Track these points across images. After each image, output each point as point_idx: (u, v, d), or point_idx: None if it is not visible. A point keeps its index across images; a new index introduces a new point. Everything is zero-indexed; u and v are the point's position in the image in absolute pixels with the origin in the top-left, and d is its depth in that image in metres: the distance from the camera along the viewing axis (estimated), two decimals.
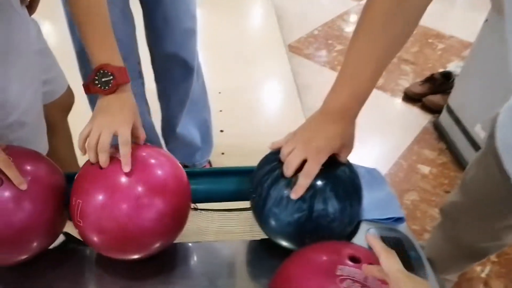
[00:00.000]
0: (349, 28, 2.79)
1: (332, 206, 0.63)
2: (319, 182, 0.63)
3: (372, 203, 0.80)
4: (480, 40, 1.67)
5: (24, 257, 0.65)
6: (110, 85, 0.68)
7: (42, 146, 0.93)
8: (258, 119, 1.95)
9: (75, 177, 0.66)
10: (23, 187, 0.60)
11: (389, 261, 0.43)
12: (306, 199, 0.62)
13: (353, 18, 2.93)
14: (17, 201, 0.60)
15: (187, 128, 1.44)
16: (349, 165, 0.70)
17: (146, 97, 1.37)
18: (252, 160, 1.69)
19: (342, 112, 0.67)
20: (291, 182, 0.63)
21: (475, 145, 1.63)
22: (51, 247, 0.72)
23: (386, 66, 0.68)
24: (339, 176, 0.66)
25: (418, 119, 2.05)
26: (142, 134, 0.70)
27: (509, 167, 0.79)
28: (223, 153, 1.71)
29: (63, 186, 0.69)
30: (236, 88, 2.12)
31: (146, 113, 1.38)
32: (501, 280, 1.33)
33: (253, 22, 2.87)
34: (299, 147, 0.63)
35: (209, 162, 1.63)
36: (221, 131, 1.81)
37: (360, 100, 0.66)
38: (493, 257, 1.38)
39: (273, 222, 0.65)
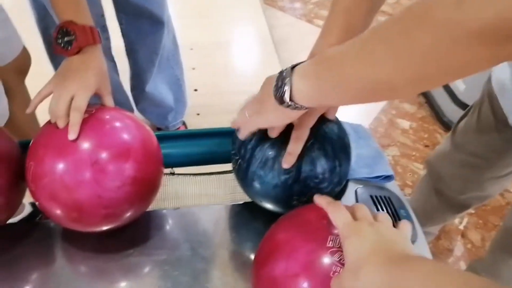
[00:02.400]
0: None
1: (321, 166, 0.58)
2: (306, 142, 0.57)
3: (360, 161, 0.77)
4: None
5: None
6: (71, 45, 0.61)
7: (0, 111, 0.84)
8: (234, 76, 1.86)
9: (33, 138, 0.59)
10: None
11: (335, 215, 0.43)
12: None
13: None
14: None
15: (157, 86, 1.35)
16: (337, 123, 0.64)
17: (112, 53, 1.26)
18: (229, 120, 1.62)
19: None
20: (277, 142, 0.57)
21: (455, 99, 1.61)
22: (19, 218, 0.66)
23: (376, 11, 0.61)
24: (328, 134, 0.61)
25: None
26: (108, 103, 0.64)
27: (504, 105, 0.78)
28: (198, 114, 1.62)
29: (17, 155, 0.62)
30: (209, 43, 2.00)
31: (113, 71, 1.27)
32: (478, 231, 1.35)
33: None
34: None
35: (184, 124, 1.55)
36: (195, 90, 1.72)
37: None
38: (470, 209, 1.40)
39: (258, 185, 0.60)
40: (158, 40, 1.24)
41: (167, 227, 0.70)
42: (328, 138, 0.61)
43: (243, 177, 0.62)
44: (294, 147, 0.55)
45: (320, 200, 0.47)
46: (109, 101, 0.64)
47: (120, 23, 1.23)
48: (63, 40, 0.62)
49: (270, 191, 0.60)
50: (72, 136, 0.54)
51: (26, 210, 1.13)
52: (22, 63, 1.03)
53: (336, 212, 0.44)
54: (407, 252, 0.39)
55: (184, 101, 1.48)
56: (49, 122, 0.60)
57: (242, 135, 0.58)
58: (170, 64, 1.34)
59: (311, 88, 0.45)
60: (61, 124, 0.56)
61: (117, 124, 0.59)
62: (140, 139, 0.60)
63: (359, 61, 0.40)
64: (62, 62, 0.63)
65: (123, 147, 0.57)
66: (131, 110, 1.43)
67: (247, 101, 0.59)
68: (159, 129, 1.49)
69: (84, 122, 0.56)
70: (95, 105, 0.61)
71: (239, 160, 0.61)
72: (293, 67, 0.48)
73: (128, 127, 0.60)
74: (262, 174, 0.59)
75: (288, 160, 0.55)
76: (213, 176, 0.86)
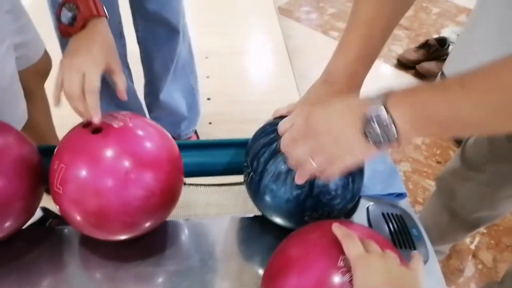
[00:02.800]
0: None
1: (334, 182, 0.58)
2: None
3: (373, 178, 0.76)
4: (480, 6, 1.59)
5: None
6: (75, 19, 0.59)
7: (18, 114, 0.86)
8: (247, 86, 1.87)
9: (62, 140, 0.60)
10: None
11: (349, 248, 0.43)
12: None
13: None
14: None
15: (172, 95, 1.36)
16: None
17: (127, 61, 1.28)
18: (242, 129, 1.63)
19: (347, 78, 0.60)
20: None
21: None
22: (29, 223, 0.67)
23: (396, 24, 0.61)
24: None
25: None
26: (120, 80, 0.61)
27: None
28: (210, 123, 1.63)
29: (37, 160, 0.63)
30: (224, 52, 2.01)
31: (128, 78, 1.29)
32: (490, 251, 1.33)
33: None
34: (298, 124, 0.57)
35: (196, 133, 1.55)
36: (208, 99, 1.73)
37: (368, 62, 0.60)
38: (482, 229, 1.38)
39: (269, 199, 0.60)
40: (174, 48, 1.26)
41: (178, 237, 0.70)
42: None
43: (255, 190, 0.62)
44: None
45: (337, 231, 0.46)
46: (120, 77, 0.61)
47: (137, 30, 1.25)
48: (67, 16, 0.60)
49: (282, 206, 0.60)
50: (96, 119, 0.54)
51: (37, 214, 1.14)
52: (43, 66, 1.05)
53: (350, 243, 0.44)
54: None
55: (198, 110, 1.49)
56: (79, 125, 0.60)
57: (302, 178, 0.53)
58: (185, 73, 1.36)
59: (417, 125, 0.42)
60: (79, 108, 0.55)
61: (148, 134, 0.60)
62: (168, 149, 0.61)
63: (480, 109, 0.38)
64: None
65: (154, 157, 0.58)
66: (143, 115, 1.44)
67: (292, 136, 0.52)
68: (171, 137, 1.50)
69: (119, 131, 0.56)
70: (126, 113, 0.61)
71: (251, 173, 0.61)
72: (384, 97, 0.43)
73: (158, 137, 0.60)
74: (275, 188, 0.59)
75: (301, 175, 0.54)
76: (224, 187, 0.86)
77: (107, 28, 0.62)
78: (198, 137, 1.56)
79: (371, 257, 0.42)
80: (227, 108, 1.71)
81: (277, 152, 0.59)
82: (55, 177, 0.56)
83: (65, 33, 0.61)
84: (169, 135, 0.64)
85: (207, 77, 1.81)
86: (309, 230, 0.52)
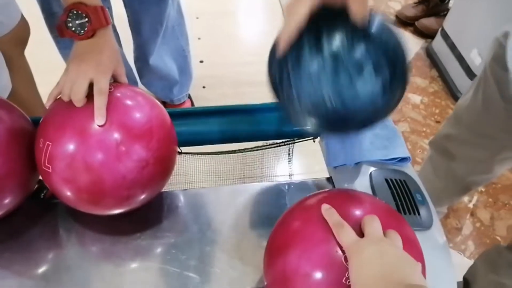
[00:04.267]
0: None
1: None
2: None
3: (375, 142, 0.74)
4: None
5: None
6: (85, 29, 0.57)
7: (2, 84, 0.82)
8: (241, 46, 1.80)
9: (44, 115, 0.56)
10: None
11: (340, 236, 0.42)
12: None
13: None
14: None
15: (162, 58, 1.30)
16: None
17: (114, 24, 1.21)
18: (236, 93, 1.58)
19: None
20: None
21: (469, 73, 1.56)
22: None
23: None
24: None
25: (410, 44, 1.93)
26: (122, 79, 0.61)
27: None
28: (204, 87, 1.58)
29: (31, 132, 0.59)
30: (216, 12, 1.93)
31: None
32: (487, 209, 1.34)
33: None
34: None
35: (189, 97, 1.51)
36: (201, 61, 1.67)
37: None
38: (480, 187, 1.38)
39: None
40: (163, 10, 1.19)
41: (176, 209, 0.69)
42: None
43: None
44: None
45: (327, 216, 0.45)
46: (124, 81, 0.61)
47: None
48: (74, 23, 0.57)
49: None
50: (100, 121, 0.51)
51: None
52: (21, 33, 0.99)
53: (342, 232, 0.43)
54: (407, 280, 0.38)
55: (190, 73, 1.43)
56: (61, 100, 0.56)
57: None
58: (175, 35, 1.29)
59: None
60: (78, 101, 0.53)
61: (136, 103, 0.56)
62: (159, 118, 0.58)
63: None
64: (73, 46, 0.59)
65: (145, 126, 0.55)
66: (135, 83, 1.39)
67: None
68: (164, 102, 1.46)
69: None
70: (111, 82, 0.58)
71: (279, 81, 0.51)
72: None
73: (146, 105, 0.57)
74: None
75: None
76: (221, 155, 0.84)
77: (112, 34, 0.61)
78: (192, 102, 1.51)
79: (365, 244, 0.41)
80: (220, 70, 1.65)
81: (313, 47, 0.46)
82: (42, 156, 0.53)
83: (69, 36, 0.59)
84: (159, 103, 0.61)
85: (199, 38, 1.74)
86: (312, 202, 0.50)
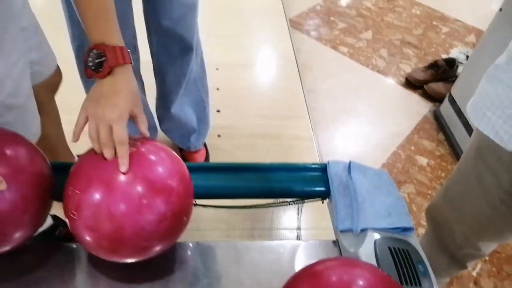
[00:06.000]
0: (352, 5, 2.69)
1: None
2: None
3: (380, 210, 0.77)
4: (492, 30, 1.61)
5: (6, 248, 0.61)
6: (102, 67, 0.61)
7: (33, 130, 0.87)
8: (257, 99, 1.88)
9: (75, 164, 0.62)
10: (2, 187, 0.55)
11: None
12: None
13: None
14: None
15: (183, 108, 1.37)
16: None
17: (141, 74, 1.29)
18: (250, 144, 1.64)
19: None
20: None
21: None
22: (40, 230, 0.68)
23: None
24: None
25: (419, 107, 2.01)
26: (142, 125, 0.64)
27: None
28: (219, 135, 1.64)
29: (49, 174, 0.65)
30: (235, 63, 2.03)
31: (140, 90, 1.31)
32: (491, 279, 1.34)
33: None
34: None
35: (205, 145, 1.57)
36: (218, 111, 1.74)
37: None
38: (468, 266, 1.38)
39: None
40: (187, 64, 1.27)
41: (188, 260, 0.72)
42: None
43: None
44: None
45: None
46: (142, 122, 0.64)
47: (151, 45, 1.26)
48: (94, 63, 0.62)
49: None
50: (123, 168, 0.56)
51: (47, 222, 1.15)
52: (55, 81, 1.07)
53: None
54: None
55: (207, 123, 1.50)
56: (92, 150, 0.61)
57: None
58: (196, 87, 1.37)
59: None
60: (108, 153, 0.58)
61: (160, 158, 0.61)
62: (179, 173, 0.63)
63: None
64: (93, 84, 0.63)
65: (166, 182, 0.59)
66: (155, 129, 1.46)
67: None
68: (180, 149, 1.52)
69: (132, 157, 0.58)
70: (137, 137, 0.63)
71: None
72: None
73: (169, 161, 0.62)
74: None
75: None
76: (233, 210, 0.88)
77: (132, 75, 0.64)
78: (207, 150, 1.57)
79: None
80: (236, 121, 1.72)
81: None
82: (70, 203, 0.57)
83: (90, 75, 0.63)
84: (180, 159, 0.66)
85: (217, 89, 1.83)
86: (318, 269, 0.54)
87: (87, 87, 1.27)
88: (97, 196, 0.56)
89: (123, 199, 0.56)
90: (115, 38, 0.64)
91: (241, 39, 2.22)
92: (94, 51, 0.62)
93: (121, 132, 0.58)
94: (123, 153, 0.57)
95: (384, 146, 1.78)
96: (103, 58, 0.61)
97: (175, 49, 1.24)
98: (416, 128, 1.88)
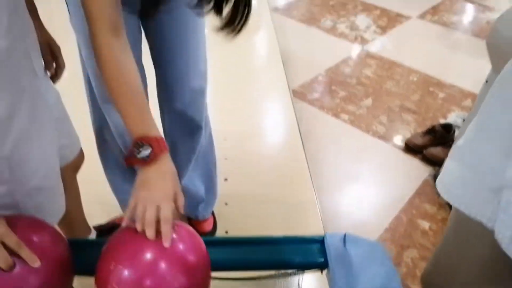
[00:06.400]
0: (352, 74, 2.87)
1: None
2: None
3: (374, 282, 0.83)
4: (479, 100, 1.72)
5: None
6: (149, 157, 0.71)
7: (59, 208, 0.96)
8: (262, 166, 1.99)
9: (112, 240, 0.70)
10: (37, 264, 0.63)
11: None
12: None
13: (356, 63, 3.01)
14: (28, 278, 0.63)
15: (192, 180, 1.48)
16: None
17: None
18: (256, 211, 1.71)
19: None
20: None
21: None
22: None
23: None
24: None
25: (419, 171, 2.08)
26: (180, 203, 0.73)
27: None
28: (226, 204, 1.73)
29: (68, 255, 0.73)
30: (242, 133, 2.17)
31: None
32: None
33: (259, 66, 2.94)
34: None
35: (213, 213, 1.65)
36: (225, 179, 1.84)
37: None
38: None
39: None
40: (197, 141, 1.39)
41: None
42: None
43: None
44: None
45: None
46: (180, 198, 0.74)
47: (163, 125, 1.39)
48: (139, 153, 0.71)
49: None
50: (167, 244, 0.65)
51: None
52: (78, 162, 1.17)
53: None
54: None
55: (215, 193, 1.60)
56: (126, 228, 0.70)
57: None
58: (205, 161, 1.48)
59: None
60: (150, 233, 0.66)
61: (190, 244, 0.71)
62: (203, 251, 0.72)
63: None
64: (138, 173, 0.73)
65: (194, 264, 0.68)
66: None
67: None
68: (189, 218, 1.60)
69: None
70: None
71: None
72: None
73: (198, 240, 0.72)
74: None
75: None
76: (250, 281, 0.94)
77: (170, 160, 0.75)
78: (215, 218, 1.65)
79: None
80: (242, 189, 1.81)
81: None
82: (112, 277, 0.65)
83: (135, 164, 0.73)
84: (200, 238, 0.75)
85: (225, 158, 1.94)
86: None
87: (107, 169, 1.40)
88: (140, 270, 0.64)
89: (159, 279, 0.64)
90: (154, 129, 0.75)
91: (248, 110, 2.38)
92: (139, 143, 0.72)
93: (168, 212, 0.67)
94: (167, 231, 0.66)
95: (386, 210, 1.84)
96: (149, 149, 0.71)
97: (185, 129, 1.36)
98: (417, 192, 1.94)
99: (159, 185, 0.70)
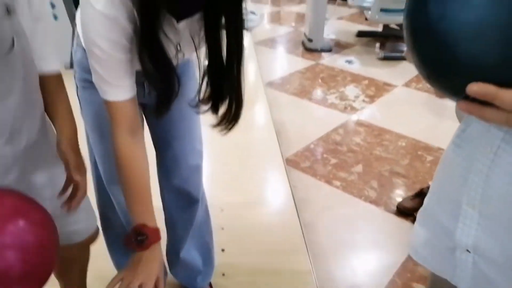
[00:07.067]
0: (343, 142, 3.02)
1: None
2: None
3: None
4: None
5: None
6: (144, 244, 0.86)
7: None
8: (258, 235, 2.05)
9: None
10: None
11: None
12: None
13: (346, 131, 3.18)
14: None
15: (190, 252, 1.55)
16: None
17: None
18: (253, 282, 1.76)
19: None
20: None
21: None
22: None
23: None
24: None
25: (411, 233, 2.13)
26: (161, 286, 0.88)
27: None
28: (223, 274, 1.78)
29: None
30: (238, 204, 2.26)
31: None
32: None
33: (254, 137, 3.10)
34: None
35: (210, 285, 1.70)
36: (223, 250, 1.90)
37: None
38: None
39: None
40: (194, 214, 1.49)
41: None
42: None
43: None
44: None
45: None
46: (161, 283, 0.88)
47: (163, 199, 1.49)
48: (136, 239, 0.86)
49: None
50: None
51: None
52: (93, 237, 1.26)
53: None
54: None
55: (212, 264, 1.66)
56: None
57: None
58: (201, 233, 1.57)
59: None
60: None
61: None
62: None
63: None
64: (132, 254, 0.87)
65: None
66: (166, 273, 1.61)
67: None
68: None
69: None
70: None
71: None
72: None
73: None
74: None
75: None
76: None
77: (160, 249, 0.90)
78: None
79: None
80: (240, 259, 1.87)
81: None
82: None
83: (132, 247, 0.87)
84: None
85: (222, 228, 2.02)
86: None
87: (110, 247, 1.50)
88: None
89: None
90: (153, 221, 0.91)
91: (243, 180, 2.49)
92: (139, 231, 0.87)
93: (150, 286, 0.83)
94: None
95: (381, 274, 1.88)
96: (145, 237, 0.86)
97: (183, 203, 1.47)
98: (410, 255, 1.98)
99: (147, 268, 0.84)
